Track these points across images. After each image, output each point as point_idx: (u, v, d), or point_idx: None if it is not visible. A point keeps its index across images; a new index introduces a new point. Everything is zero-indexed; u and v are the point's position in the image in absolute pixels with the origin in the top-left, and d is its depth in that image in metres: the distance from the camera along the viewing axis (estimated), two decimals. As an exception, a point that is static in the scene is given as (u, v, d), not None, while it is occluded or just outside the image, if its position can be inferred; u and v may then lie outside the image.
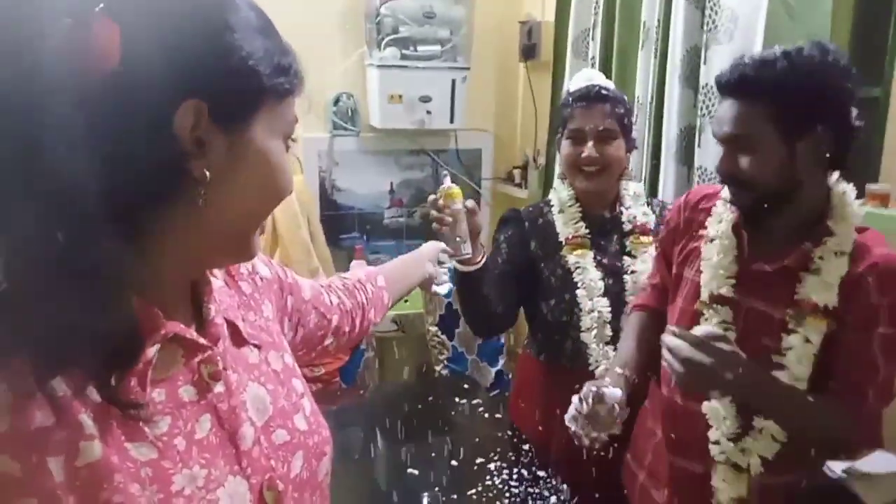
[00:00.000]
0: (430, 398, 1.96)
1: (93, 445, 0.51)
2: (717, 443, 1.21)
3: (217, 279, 0.75)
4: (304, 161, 2.87)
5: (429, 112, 2.83)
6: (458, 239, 1.43)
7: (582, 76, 1.72)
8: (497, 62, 3.09)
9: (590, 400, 1.22)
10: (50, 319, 0.48)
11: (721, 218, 1.26)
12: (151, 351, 0.57)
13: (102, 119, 0.49)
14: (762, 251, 1.21)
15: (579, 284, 1.60)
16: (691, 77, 1.91)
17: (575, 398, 1.25)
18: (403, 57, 2.76)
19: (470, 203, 1.46)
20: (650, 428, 1.41)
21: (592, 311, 1.58)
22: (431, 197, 1.45)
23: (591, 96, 1.61)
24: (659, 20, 2.01)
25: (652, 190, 2.04)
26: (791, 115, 1.08)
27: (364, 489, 1.57)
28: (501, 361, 2.70)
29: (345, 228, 3.05)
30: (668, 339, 1.12)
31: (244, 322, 0.73)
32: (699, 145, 1.86)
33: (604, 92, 1.62)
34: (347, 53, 2.84)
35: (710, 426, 1.21)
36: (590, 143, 1.59)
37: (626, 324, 1.51)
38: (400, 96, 2.78)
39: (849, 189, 1.17)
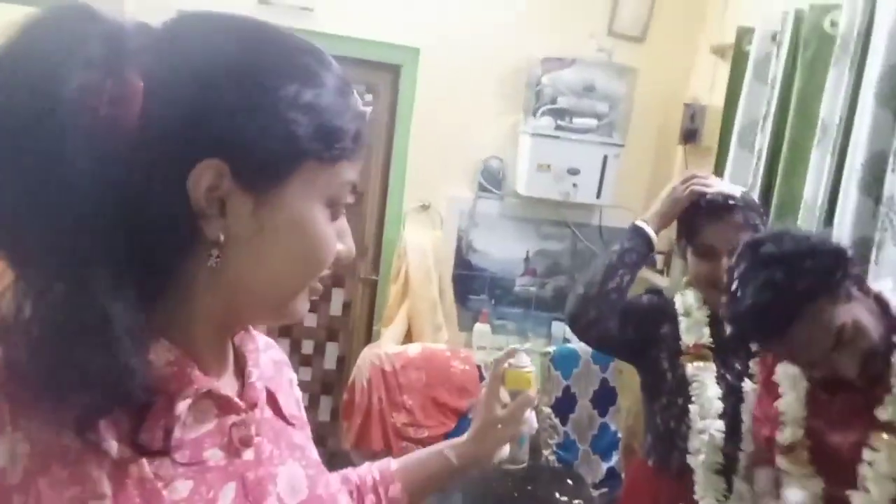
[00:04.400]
0: (530, 487, 1.84)
1: None
2: None
3: (273, 350, 0.73)
4: (445, 218, 2.90)
5: (575, 185, 2.78)
6: (517, 444, 0.95)
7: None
8: (654, 142, 2.98)
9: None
10: (66, 364, 0.47)
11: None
12: (182, 405, 0.54)
13: (121, 168, 0.48)
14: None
15: (693, 399, 1.42)
16: (873, 185, 1.70)
17: None
18: (558, 128, 2.74)
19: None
20: None
21: (703, 432, 1.39)
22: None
23: (721, 207, 1.45)
24: (841, 118, 1.83)
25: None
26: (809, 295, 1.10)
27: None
28: (615, 458, 2.51)
29: (475, 290, 3.02)
30: None
31: (284, 401, 0.69)
32: (876, 261, 1.64)
33: (732, 202, 1.45)
34: (503, 119, 2.86)
35: None
36: (725, 260, 1.40)
37: (759, 480, 1.35)
38: (549, 165, 2.76)
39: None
